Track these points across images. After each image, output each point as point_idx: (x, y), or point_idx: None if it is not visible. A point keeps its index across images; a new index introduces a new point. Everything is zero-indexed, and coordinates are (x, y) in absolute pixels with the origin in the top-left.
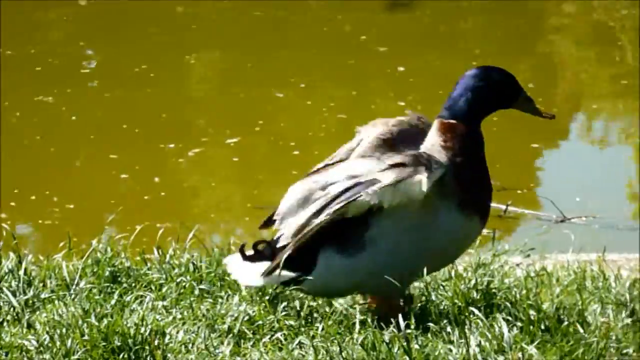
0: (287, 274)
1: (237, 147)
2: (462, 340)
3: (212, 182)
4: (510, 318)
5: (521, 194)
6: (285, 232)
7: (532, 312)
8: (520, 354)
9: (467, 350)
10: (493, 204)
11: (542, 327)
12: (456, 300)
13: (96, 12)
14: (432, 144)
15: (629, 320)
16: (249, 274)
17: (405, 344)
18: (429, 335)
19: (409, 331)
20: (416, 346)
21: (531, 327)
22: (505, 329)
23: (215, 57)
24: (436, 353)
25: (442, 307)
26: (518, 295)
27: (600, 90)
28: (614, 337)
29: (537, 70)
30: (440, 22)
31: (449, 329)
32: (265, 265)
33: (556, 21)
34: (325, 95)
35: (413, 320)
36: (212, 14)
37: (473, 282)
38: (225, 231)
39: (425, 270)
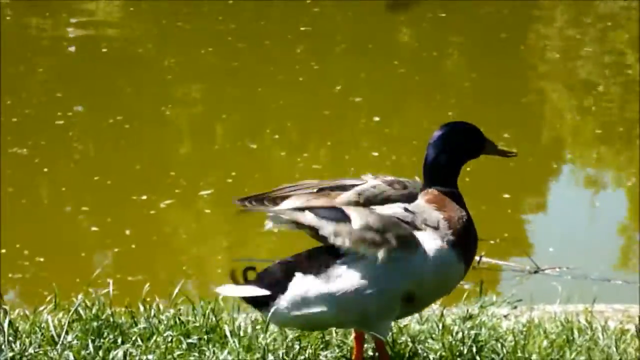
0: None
1: (210, 199)
2: None
3: (184, 234)
4: None
5: (494, 245)
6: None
7: None
8: None
9: None
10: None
11: None
12: (443, 353)
13: (75, 63)
14: (425, 210)
15: None
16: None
17: None
18: None
19: None
20: None
21: None
22: None
23: (189, 109)
24: None
25: None
26: (505, 350)
27: (579, 139)
28: None
29: (513, 117)
30: (416, 72)
31: None
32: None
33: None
34: (300, 146)
35: None
36: (190, 63)
37: (460, 335)
38: (200, 284)
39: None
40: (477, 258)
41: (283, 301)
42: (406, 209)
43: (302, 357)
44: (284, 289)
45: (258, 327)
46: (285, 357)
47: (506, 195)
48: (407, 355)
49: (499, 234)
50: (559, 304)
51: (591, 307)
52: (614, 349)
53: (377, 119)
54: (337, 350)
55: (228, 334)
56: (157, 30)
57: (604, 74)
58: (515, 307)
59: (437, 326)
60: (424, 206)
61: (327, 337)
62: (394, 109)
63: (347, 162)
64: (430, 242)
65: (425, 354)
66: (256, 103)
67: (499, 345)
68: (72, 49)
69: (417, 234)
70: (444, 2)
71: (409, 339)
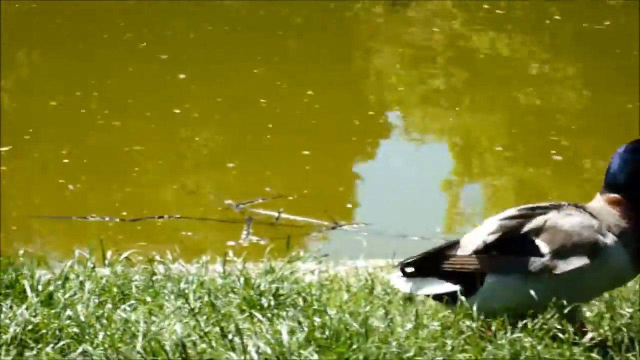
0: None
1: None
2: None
3: None
4: (294, 324)
5: (293, 201)
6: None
7: (316, 318)
8: None
9: (245, 357)
10: (266, 212)
11: (327, 333)
12: (244, 307)
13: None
14: (607, 213)
15: (410, 325)
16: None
17: None
18: (213, 342)
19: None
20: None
21: (316, 333)
22: (285, 335)
23: None
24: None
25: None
26: (303, 302)
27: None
28: (394, 343)
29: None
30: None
31: (230, 335)
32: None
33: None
34: None
35: None
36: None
37: (262, 287)
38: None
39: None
40: (275, 214)
41: (477, 296)
42: (591, 215)
43: (101, 311)
44: (476, 285)
45: (59, 282)
46: (84, 311)
47: (306, 152)
48: (206, 308)
49: (296, 190)
50: (362, 259)
51: (392, 261)
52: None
53: None
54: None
55: (28, 289)
56: None
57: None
58: (321, 262)
59: (239, 280)
60: (607, 210)
61: (126, 292)
62: None
63: None
64: (614, 251)
65: (224, 307)
66: None
67: (301, 298)
68: None
69: (602, 241)
70: None
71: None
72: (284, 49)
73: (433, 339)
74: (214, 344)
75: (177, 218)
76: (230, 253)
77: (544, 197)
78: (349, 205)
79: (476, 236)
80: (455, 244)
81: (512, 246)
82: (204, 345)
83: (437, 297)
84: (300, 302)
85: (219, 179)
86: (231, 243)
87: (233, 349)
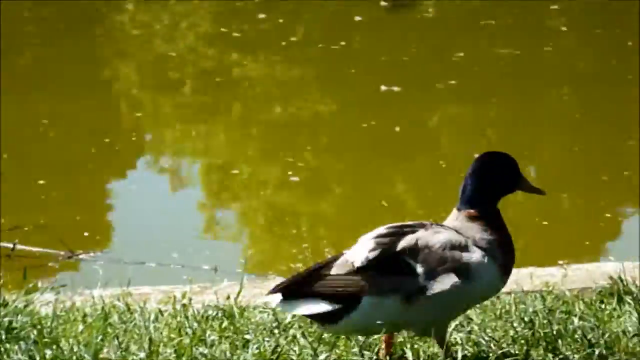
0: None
1: None
2: None
3: None
4: (25, 358)
5: (29, 231)
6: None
7: (48, 350)
8: None
9: None
10: (1, 244)
11: None
12: None
13: None
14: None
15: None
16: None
17: None
18: None
19: None
20: None
21: None
22: None
23: None
24: None
25: None
26: (38, 334)
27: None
28: None
29: None
30: None
31: None
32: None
33: None
34: None
35: None
36: None
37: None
38: None
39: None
40: (10, 245)
41: (354, 317)
42: (457, 232)
43: None
44: (354, 305)
45: None
46: None
47: (41, 182)
48: None
49: (34, 220)
50: (99, 288)
51: (127, 289)
52: (152, 328)
53: None
54: None
55: None
56: None
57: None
58: (59, 293)
59: None
60: (469, 226)
61: None
62: None
63: None
64: (483, 268)
65: None
66: None
67: (36, 330)
68: None
69: (472, 259)
70: None
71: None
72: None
73: None
74: None
75: None
76: None
77: (287, 218)
78: (86, 234)
79: (354, 255)
80: (330, 263)
81: (387, 266)
82: None
83: (316, 317)
84: (35, 334)
85: None
86: None
87: None
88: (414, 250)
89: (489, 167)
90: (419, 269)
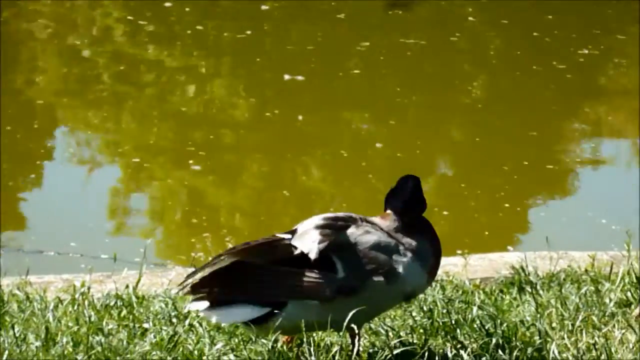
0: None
1: None
2: None
3: None
4: None
5: None
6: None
7: None
8: None
9: None
10: None
11: None
12: None
13: None
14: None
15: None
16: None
17: None
18: None
19: None
20: None
21: None
22: None
23: None
24: None
25: None
26: None
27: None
28: None
29: None
30: None
31: None
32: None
33: None
34: None
35: None
36: None
37: None
38: None
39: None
40: None
41: (284, 319)
42: (388, 233)
43: None
44: (281, 306)
45: None
46: None
47: None
48: None
49: None
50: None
51: (26, 277)
52: (50, 317)
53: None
54: None
55: None
56: None
57: None
58: None
59: None
60: (402, 228)
61: None
62: None
63: None
64: (411, 269)
65: None
66: None
67: None
68: None
69: (399, 261)
70: None
71: None
72: None
73: None
74: None
75: None
76: None
77: (187, 207)
78: None
79: (301, 244)
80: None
81: (312, 264)
82: None
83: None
84: None
85: None
86: None
87: None
88: (343, 249)
89: (419, 184)
90: (344, 270)
